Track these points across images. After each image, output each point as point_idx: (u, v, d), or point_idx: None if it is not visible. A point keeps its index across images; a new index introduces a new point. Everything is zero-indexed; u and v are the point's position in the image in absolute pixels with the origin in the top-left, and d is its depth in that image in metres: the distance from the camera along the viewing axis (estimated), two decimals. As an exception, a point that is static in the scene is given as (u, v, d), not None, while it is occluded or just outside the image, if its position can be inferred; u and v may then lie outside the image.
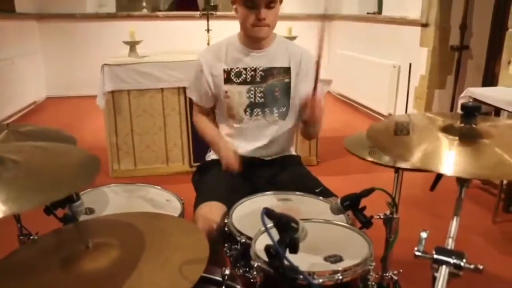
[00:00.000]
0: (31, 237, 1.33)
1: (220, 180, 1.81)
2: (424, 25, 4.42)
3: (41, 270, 0.99)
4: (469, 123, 1.08)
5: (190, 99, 2.05)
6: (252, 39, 1.80)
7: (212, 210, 1.61)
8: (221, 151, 1.83)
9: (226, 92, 1.84)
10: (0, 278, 0.97)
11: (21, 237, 1.35)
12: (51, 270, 0.98)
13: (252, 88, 1.84)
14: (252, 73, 1.84)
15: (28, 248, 1.23)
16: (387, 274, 1.51)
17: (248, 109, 1.85)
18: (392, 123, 1.19)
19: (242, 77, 1.83)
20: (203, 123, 1.96)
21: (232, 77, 1.84)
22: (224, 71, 1.84)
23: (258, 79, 1.84)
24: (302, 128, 1.91)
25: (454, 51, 4.36)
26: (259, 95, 1.85)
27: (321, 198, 1.65)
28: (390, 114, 5.02)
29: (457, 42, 4.32)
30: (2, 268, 1.01)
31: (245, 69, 1.83)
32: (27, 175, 0.98)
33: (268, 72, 1.85)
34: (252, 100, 1.85)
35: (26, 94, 5.72)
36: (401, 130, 1.12)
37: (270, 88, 1.85)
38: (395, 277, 1.51)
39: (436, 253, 0.87)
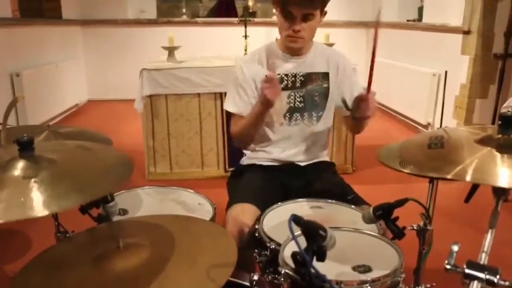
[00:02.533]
0: (67, 235, 1.38)
1: (253, 184, 1.81)
2: (466, 32, 4.30)
3: (74, 265, 1.03)
4: (507, 134, 1.05)
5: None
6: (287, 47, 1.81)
7: (244, 211, 1.61)
8: (258, 102, 1.73)
9: None
10: (34, 274, 1.01)
11: (58, 235, 1.39)
12: (83, 267, 1.01)
13: (292, 94, 1.84)
14: (293, 78, 1.84)
15: (63, 244, 1.28)
16: (419, 287, 1.47)
17: (287, 114, 1.86)
18: (427, 136, 1.18)
19: (283, 84, 1.83)
20: (239, 122, 1.84)
21: None
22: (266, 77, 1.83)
23: (298, 84, 1.85)
24: (351, 123, 1.91)
25: (498, 59, 4.22)
26: (299, 99, 1.85)
27: (353, 206, 1.64)
28: (428, 124, 4.90)
29: (501, 50, 4.18)
30: (39, 262, 1.05)
31: (286, 75, 1.84)
32: (64, 175, 1.02)
33: (308, 77, 1.86)
34: (291, 105, 1.85)
35: (69, 97, 5.90)
36: (435, 143, 1.10)
37: (309, 92, 1.86)
38: (428, 291, 1.48)
39: (468, 268, 0.85)
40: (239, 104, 1.85)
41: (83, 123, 5.44)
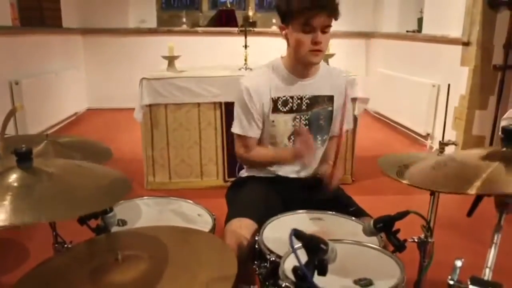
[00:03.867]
0: (65, 246, 1.37)
1: (253, 197, 1.80)
2: (466, 44, 4.31)
3: (71, 278, 1.02)
4: (511, 147, 1.05)
5: (232, 134, 1.90)
6: (304, 65, 1.77)
7: (242, 227, 1.60)
8: (292, 152, 1.77)
9: (273, 121, 1.81)
10: (34, 282, 1.00)
11: (56, 245, 1.38)
12: (80, 280, 1.00)
13: (298, 116, 1.83)
14: (299, 101, 1.82)
15: (61, 256, 1.27)
16: (420, 300, 1.46)
17: (292, 137, 1.84)
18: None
19: (288, 106, 1.81)
20: (261, 151, 1.87)
21: (279, 106, 1.80)
22: (272, 100, 1.79)
23: (304, 107, 1.83)
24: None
25: (497, 70, 4.22)
26: (304, 123, 1.84)
27: (353, 218, 1.62)
28: (428, 134, 4.90)
29: (501, 61, 4.20)
30: (37, 274, 1.04)
31: (291, 97, 1.81)
32: (60, 189, 1.02)
33: (314, 100, 1.84)
34: (296, 127, 1.83)
35: (68, 106, 5.90)
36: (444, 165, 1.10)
37: (315, 116, 1.85)
38: (429, 304, 1.46)
39: (472, 284, 0.84)
40: (246, 127, 1.83)
41: (82, 132, 5.44)
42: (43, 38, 5.41)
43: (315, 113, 1.85)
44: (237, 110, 1.85)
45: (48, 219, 0.94)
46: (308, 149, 1.70)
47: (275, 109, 1.80)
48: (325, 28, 1.67)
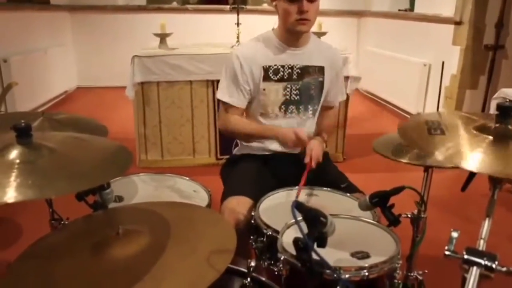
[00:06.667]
0: (62, 222, 1.37)
1: (248, 175, 1.82)
2: (458, 23, 4.32)
3: (72, 253, 1.01)
4: (504, 123, 1.06)
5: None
6: (293, 34, 1.78)
7: (239, 204, 1.62)
8: (283, 133, 1.74)
9: (264, 89, 1.82)
10: (31, 261, 1.00)
11: (53, 222, 1.38)
12: (81, 254, 1.00)
13: (289, 86, 1.83)
14: (289, 70, 1.83)
15: (59, 232, 1.26)
16: (412, 274, 1.49)
17: (283, 107, 1.85)
18: (422, 121, 1.18)
19: (279, 75, 1.82)
20: (241, 122, 1.87)
21: (270, 75, 1.81)
22: (263, 68, 1.81)
23: (294, 77, 1.84)
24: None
25: (488, 50, 4.25)
26: (295, 92, 1.85)
27: (348, 194, 1.65)
28: (418, 113, 4.93)
29: (492, 41, 4.22)
30: (34, 251, 1.03)
31: (282, 66, 1.82)
32: (61, 163, 1.01)
33: (305, 70, 1.85)
34: (287, 97, 1.84)
35: (58, 84, 5.83)
36: (435, 129, 1.10)
37: (306, 85, 1.86)
38: (420, 277, 1.50)
39: (467, 254, 0.86)
40: (234, 95, 1.83)
41: (72, 110, 5.38)
42: (31, 15, 5.31)
43: (306, 83, 1.86)
44: (225, 79, 1.85)
45: (54, 194, 0.93)
46: (299, 146, 1.73)
47: (266, 78, 1.81)
48: None
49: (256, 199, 1.61)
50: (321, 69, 1.88)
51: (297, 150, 1.85)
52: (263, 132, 1.82)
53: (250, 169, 1.85)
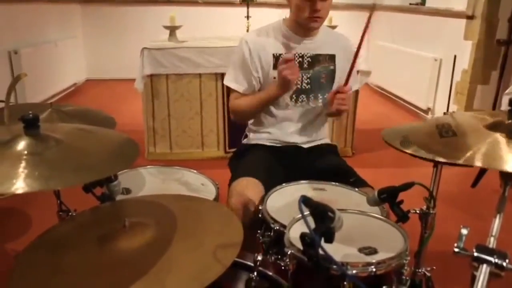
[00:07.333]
0: (70, 214, 1.37)
1: (257, 162, 1.81)
2: (470, 17, 4.27)
3: (79, 245, 1.02)
4: (517, 119, 1.05)
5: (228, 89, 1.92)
6: (305, 29, 1.79)
7: (249, 186, 1.61)
8: (275, 86, 1.73)
9: (274, 78, 1.79)
10: (39, 252, 1.00)
11: (60, 213, 1.39)
12: (88, 246, 1.00)
13: (300, 74, 1.82)
14: (300, 59, 1.83)
15: (66, 224, 1.27)
16: (420, 270, 1.48)
17: (293, 95, 1.85)
18: (433, 124, 1.17)
19: None
20: (243, 100, 1.85)
21: None
22: (274, 56, 1.81)
23: (305, 65, 1.83)
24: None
25: (501, 45, 4.19)
26: (306, 81, 1.84)
27: (356, 189, 1.63)
28: (429, 109, 4.89)
29: (505, 36, 4.16)
30: (44, 240, 1.04)
31: (293, 54, 1.81)
32: (69, 155, 1.01)
33: (315, 59, 1.84)
34: (298, 86, 1.84)
35: (67, 76, 5.86)
36: (446, 131, 1.09)
37: (316, 74, 1.85)
38: (428, 274, 1.48)
39: (477, 251, 0.85)
40: (242, 81, 1.84)
41: (82, 103, 5.41)
42: (42, 7, 5.31)
43: (317, 71, 1.85)
44: (233, 64, 1.86)
45: (61, 186, 0.93)
46: (293, 74, 1.67)
47: (276, 66, 1.78)
48: None
49: (266, 184, 1.61)
50: (332, 57, 1.87)
51: (305, 144, 1.85)
52: (263, 95, 1.80)
53: (260, 157, 1.85)
